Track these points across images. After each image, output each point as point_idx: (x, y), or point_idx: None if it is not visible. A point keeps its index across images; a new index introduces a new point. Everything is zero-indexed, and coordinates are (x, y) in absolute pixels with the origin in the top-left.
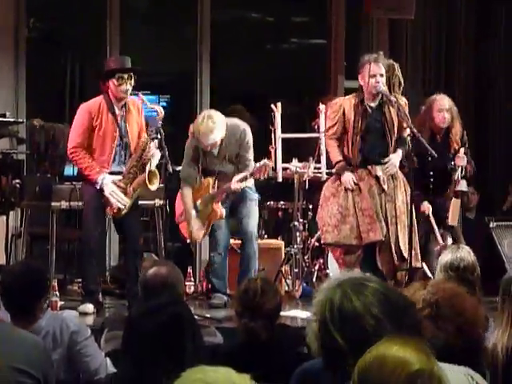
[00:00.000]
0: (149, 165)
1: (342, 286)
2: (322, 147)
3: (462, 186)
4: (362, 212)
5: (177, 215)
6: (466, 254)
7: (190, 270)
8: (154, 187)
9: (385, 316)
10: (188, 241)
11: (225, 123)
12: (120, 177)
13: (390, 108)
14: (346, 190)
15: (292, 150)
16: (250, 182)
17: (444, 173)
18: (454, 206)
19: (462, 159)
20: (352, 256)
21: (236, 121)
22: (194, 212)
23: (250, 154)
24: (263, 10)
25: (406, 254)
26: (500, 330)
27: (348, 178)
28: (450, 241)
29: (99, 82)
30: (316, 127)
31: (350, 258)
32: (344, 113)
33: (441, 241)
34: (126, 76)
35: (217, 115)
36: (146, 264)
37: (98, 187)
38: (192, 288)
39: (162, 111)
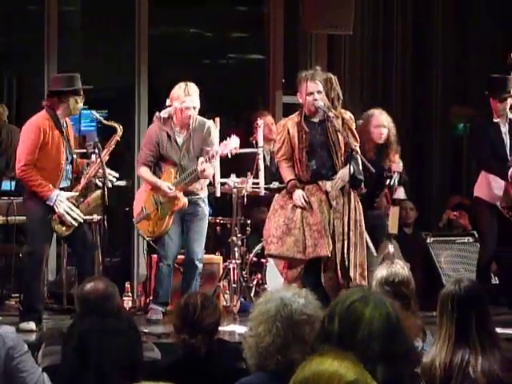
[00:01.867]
0: (105, 181)
1: (369, 292)
2: (260, 162)
3: (400, 193)
4: (309, 227)
5: (135, 215)
6: (400, 268)
7: (127, 285)
8: (103, 204)
9: (380, 339)
10: (149, 238)
11: None
12: (72, 193)
13: (335, 122)
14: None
15: (230, 166)
16: (204, 194)
17: (373, 187)
18: (393, 213)
19: (397, 165)
20: (294, 270)
21: (202, 117)
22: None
23: (212, 151)
24: (201, 25)
25: (351, 273)
26: (438, 345)
27: (299, 195)
28: (391, 249)
29: (44, 98)
30: (254, 142)
31: (292, 273)
32: (289, 132)
33: (374, 252)
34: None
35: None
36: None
37: (52, 204)
38: (130, 303)
39: (120, 128)
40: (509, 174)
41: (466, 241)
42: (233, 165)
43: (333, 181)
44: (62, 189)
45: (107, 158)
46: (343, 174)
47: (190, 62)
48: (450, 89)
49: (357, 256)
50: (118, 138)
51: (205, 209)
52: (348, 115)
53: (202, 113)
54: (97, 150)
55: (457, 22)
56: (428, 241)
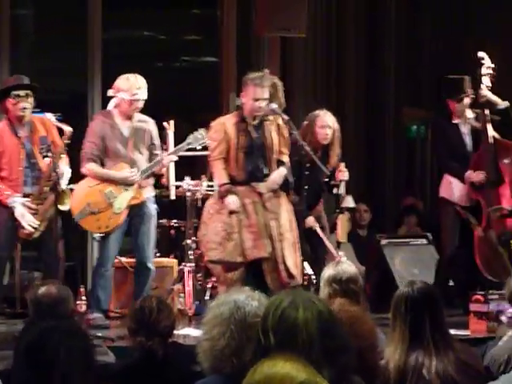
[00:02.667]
0: (60, 184)
1: (295, 295)
2: None
3: (349, 202)
4: (246, 229)
5: (75, 213)
6: (347, 266)
7: (82, 289)
8: (65, 207)
9: (319, 338)
10: (100, 233)
11: None
12: (25, 199)
13: (271, 127)
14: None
15: (184, 168)
16: (151, 193)
17: (318, 188)
18: (342, 222)
19: (343, 173)
20: (234, 273)
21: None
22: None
23: (159, 146)
24: (154, 28)
25: (293, 271)
26: (392, 347)
27: (232, 200)
28: (342, 255)
29: None
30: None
31: (231, 276)
32: (226, 132)
33: (335, 253)
34: (22, 93)
35: None
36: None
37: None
38: (84, 307)
39: (69, 130)
40: (466, 175)
41: (419, 243)
42: (187, 167)
43: (266, 182)
44: (27, 195)
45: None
46: (276, 175)
47: (144, 65)
48: (403, 91)
49: (297, 256)
50: (67, 140)
51: (152, 209)
52: (282, 122)
53: (155, 116)
54: (50, 154)
55: (410, 24)
56: (382, 243)
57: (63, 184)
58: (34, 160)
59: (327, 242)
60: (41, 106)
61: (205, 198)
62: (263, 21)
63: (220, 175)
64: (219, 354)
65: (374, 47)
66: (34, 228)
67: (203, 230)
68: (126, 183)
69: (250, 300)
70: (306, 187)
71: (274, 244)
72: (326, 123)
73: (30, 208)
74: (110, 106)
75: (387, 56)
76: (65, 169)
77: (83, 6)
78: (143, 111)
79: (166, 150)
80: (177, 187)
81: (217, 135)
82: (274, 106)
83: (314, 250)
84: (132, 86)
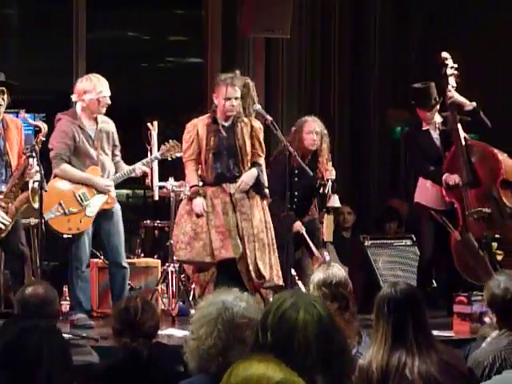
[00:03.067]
0: (31, 182)
1: (298, 296)
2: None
3: (335, 201)
4: (215, 229)
5: (45, 213)
6: (336, 270)
7: (65, 289)
8: (37, 205)
9: (316, 342)
10: (68, 235)
11: None
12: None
13: (243, 128)
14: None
15: (168, 169)
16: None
17: (309, 194)
18: (328, 222)
19: (330, 172)
20: (205, 274)
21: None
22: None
23: (119, 148)
24: (139, 28)
25: (264, 272)
26: (375, 347)
27: (199, 203)
28: (327, 257)
29: None
30: None
31: (203, 277)
32: (198, 133)
33: (320, 257)
34: None
35: None
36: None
37: None
38: (68, 307)
39: (44, 127)
40: (443, 178)
41: (403, 244)
42: (171, 168)
43: (236, 184)
44: None
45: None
46: (247, 176)
47: (128, 65)
48: (387, 92)
49: (271, 257)
50: (43, 138)
51: (119, 209)
52: (257, 124)
53: (140, 116)
54: (34, 154)
55: (394, 25)
56: (366, 244)
57: (45, 185)
58: (7, 158)
59: (313, 247)
60: (26, 106)
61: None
62: (248, 22)
63: (190, 176)
64: (206, 353)
65: (359, 48)
66: (4, 225)
67: (175, 230)
68: (101, 189)
69: (238, 301)
70: (296, 193)
71: (245, 244)
72: (314, 129)
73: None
74: (78, 110)
75: (372, 57)
76: (38, 169)
77: (68, 6)
78: (127, 111)
79: (151, 150)
80: (160, 188)
81: (188, 136)
82: (258, 107)
83: (301, 254)
84: (96, 85)
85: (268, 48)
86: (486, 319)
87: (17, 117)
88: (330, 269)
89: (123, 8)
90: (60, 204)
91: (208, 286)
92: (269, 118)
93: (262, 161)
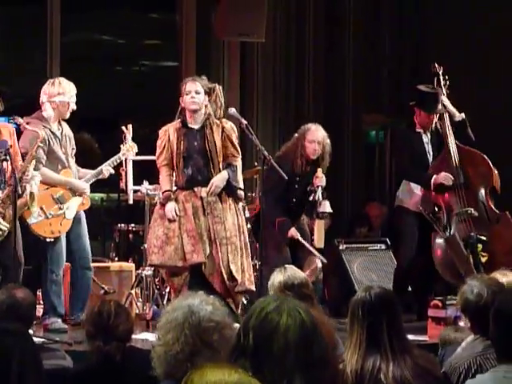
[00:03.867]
0: (29, 187)
1: (282, 301)
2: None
3: (326, 207)
4: (186, 233)
5: (27, 218)
6: (295, 271)
7: (39, 293)
8: (35, 209)
9: (296, 348)
10: (50, 238)
11: None
12: None
13: (214, 130)
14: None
15: (143, 173)
16: None
17: (304, 198)
18: (319, 227)
19: (321, 179)
20: (179, 278)
21: None
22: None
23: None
24: (114, 32)
25: (236, 275)
26: (349, 351)
27: (170, 208)
28: (319, 264)
29: None
30: None
31: (177, 281)
32: (169, 138)
33: (320, 257)
34: None
35: None
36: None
37: None
38: (41, 311)
39: (41, 133)
40: (431, 182)
41: (378, 248)
42: (145, 172)
43: (208, 187)
44: None
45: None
46: (217, 179)
47: (103, 68)
48: (362, 96)
49: (243, 261)
50: (40, 144)
51: (82, 211)
52: (229, 125)
53: (115, 119)
54: (8, 157)
55: (368, 29)
56: (340, 248)
57: (34, 188)
58: (1, 164)
59: (311, 248)
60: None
61: None
62: (222, 25)
63: (163, 182)
64: (173, 359)
65: (333, 52)
66: (1, 231)
67: (148, 234)
68: (79, 192)
69: (204, 304)
70: (294, 200)
71: (218, 247)
72: (316, 138)
73: None
74: (49, 112)
75: (347, 60)
76: (35, 174)
77: (43, 9)
78: (102, 114)
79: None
80: (135, 191)
81: (160, 142)
82: (233, 110)
83: (296, 259)
84: (66, 89)
85: (243, 52)
86: (461, 323)
87: (8, 122)
88: (288, 270)
89: (98, 11)
90: (41, 208)
91: (183, 290)
92: (243, 121)
93: (237, 161)
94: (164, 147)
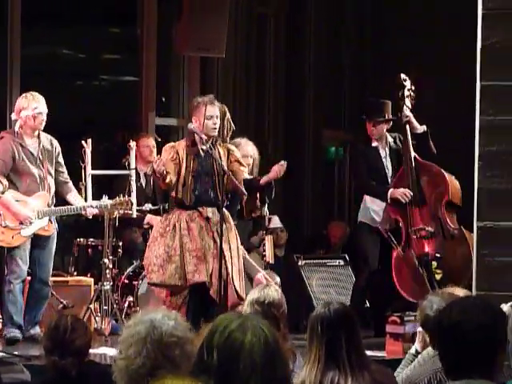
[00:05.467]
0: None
1: (244, 319)
2: (133, 184)
3: (276, 222)
4: (189, 253)
5: None
6: (272, 291)
7: None
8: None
9: (261, 366)
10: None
11: None
12: None
13: (220, 151)
14: (175, 229)
15: (102, 187)
16: None
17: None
18: (270, 242)
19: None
20: (178, 297)
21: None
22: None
23: (63, 165)
24: (74, 46)
25: (242, 294)
26: (308, 366)
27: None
28: (278, 279)
29: None
30: (127, 164)
31: (175, 300)
32: (178, 153)
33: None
34: None
35: None
36: None
37: None
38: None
39: None
40: (388, 194)
41: (337, 263)
42: (105, 186)
43: (214, 207)
44: None
45: None
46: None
47: (63, 82)
48: (322, 112)
49: (241, 281)
50: None
51: (54, 226)
52: (233, 148)
53: (75, 133)
54: None
55: (330, 46)
56: (299, 263)
57: None
58: None
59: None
60: None
61: (122, 218)
62: (183, 40)
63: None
64: (134, 373)
65: (293, 69)
66: None
67: (147, 252)
68: (20, 219)
69: (166, 319)
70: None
71: (226, 263)
72: (247, 153)
73: None
74: (17, 127)
75: (307, 77)
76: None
77: (2, 21)
78: (61, 128)
79: (85, 168)
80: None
81: (166, 154)
82: (193, 125)
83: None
84: (30, 102)
85: (203, 67)
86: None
87: None
88: (266, 288)
89: (58, 25)
90: (1, 215)
91: (181, 310)
92: (203, 136)
93: (245, 175)
94: (169, 159)
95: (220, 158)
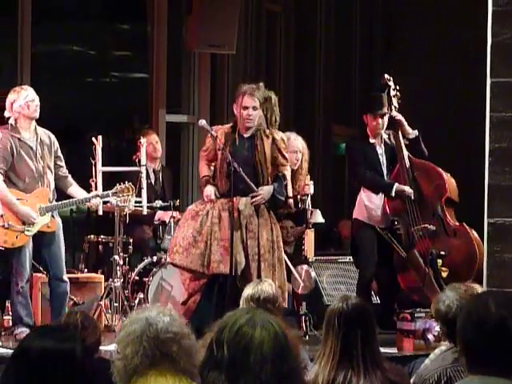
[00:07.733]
0: None
1: (253, 313)
2: (143, 181)
3: (317, 216)
4: (217, 241)
5: None
6: (267, 286)
7: (7, 303)
8: None
9: (272, 360)
10: (2, 247)
11: None
12: None
13: (264, 140)
14: (207, 215)
15: (112, 184)
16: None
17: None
18: (310, 237)
19: (309, 187)
20: (197, 282)
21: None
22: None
23: (62, 159)
24: (84, 43)
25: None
26: (322, 362)
27: (209, 189)
28: (313, 273)
29: None
30: (137, 161)
31: (194, 285)
32: (216, 139)
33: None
34: None
35: None
36: None
37: None
38: (10, 322)
39: None
40: (394, 188)
41: (347, 260)
42: (115, 183)
43: (247, 198)
44: None
45: None
46: (265, 191)
47: (73, 79)
48: (332, 108)
49: (275, 278)
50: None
51: (60, 222)
52: (280, 136)
53: (85, 130)
54: None
55: (339, 43)
56: (310, 260)
57: None
58: None
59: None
60: None
61: (133, 214)
62: (193, 37)
63: (202, 169)
64: (133, 372)
65: (303, 65)
66: None
67: (176, 232)
68: (22, 219)
69: (161, 316)
70: None
71: (249, 262)
72: (297, 148)
73: None
74: (13, 122)
75: (317, 72)
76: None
77: (13, 18)
78: (71, 125)
79: (95, 165)
80: (105, 203)
81: (207, 140)
82: (203, 122)
83: None
84: (19, 93)
85: (213, 63)
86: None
87: None
88: (260, 284)
89: (68, 22)
90: (1, 216)
91: (195, 296)
92: (213, 133)
93: (286, 170)
94: (209, 146)
95: (263, 147)
